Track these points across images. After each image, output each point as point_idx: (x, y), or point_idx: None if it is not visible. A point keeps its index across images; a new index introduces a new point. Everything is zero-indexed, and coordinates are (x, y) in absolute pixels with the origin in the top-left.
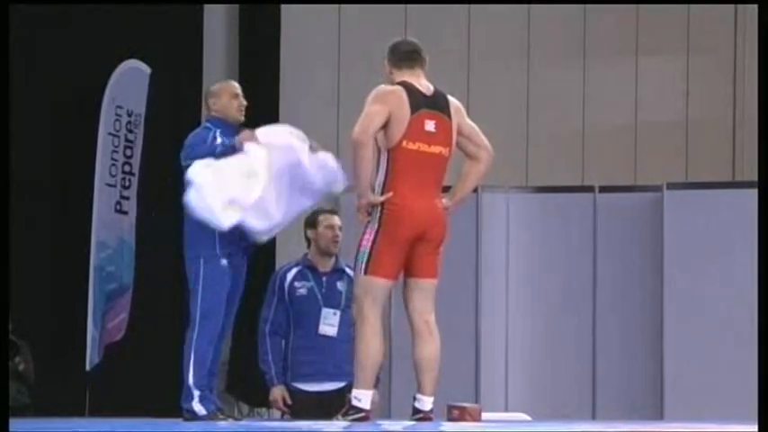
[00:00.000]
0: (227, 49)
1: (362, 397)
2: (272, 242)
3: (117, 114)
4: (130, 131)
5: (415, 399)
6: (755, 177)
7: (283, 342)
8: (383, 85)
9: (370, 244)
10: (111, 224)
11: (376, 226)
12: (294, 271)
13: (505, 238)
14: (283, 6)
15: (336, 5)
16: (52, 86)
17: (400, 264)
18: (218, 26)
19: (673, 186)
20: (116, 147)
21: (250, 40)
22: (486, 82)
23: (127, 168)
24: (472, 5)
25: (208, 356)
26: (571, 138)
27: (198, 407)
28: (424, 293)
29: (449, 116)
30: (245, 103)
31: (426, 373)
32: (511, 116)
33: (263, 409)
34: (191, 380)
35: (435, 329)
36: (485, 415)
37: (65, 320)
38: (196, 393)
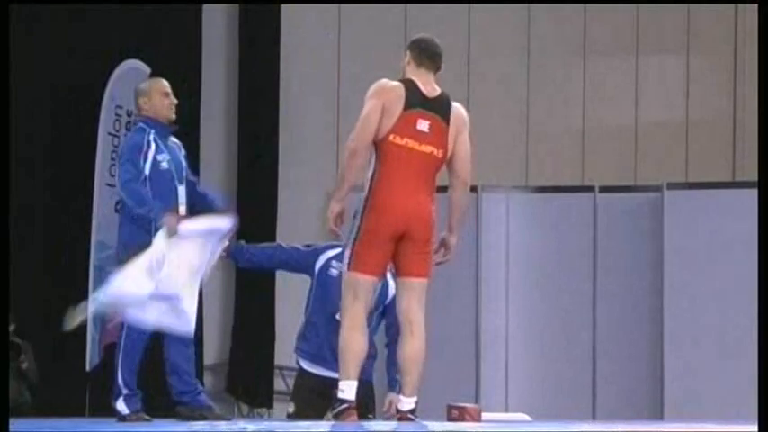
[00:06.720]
0: (227, 49)
1: (345, 388)
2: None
3: (116, 114)
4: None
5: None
6: (755, 177)
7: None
8: (384, 80)
9: (352, 240)
10: (111, 224)
11: (358, 222)
12: (335, 252)
13: (505, 238)
14: (283, 6)
15: (336, 5)
16: (52, 86)
17: (383, 261)
18: (217, 26)
19: (673, 186)
20: (116, 147)
21: (250, 40)
22: (486, 82)
23: None
24: (472, 5)
25: (135, 356)
26: (571, 138)
27: (121, 405)
28: (410, 292)
29: (447, 121)
30: (175, 101)
31: (405, 374)
32: (511, 116)
33: (264, 409)
34: (119, 378)
35: (419, 329)
36: (485, 415)
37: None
38: (124, 392)
